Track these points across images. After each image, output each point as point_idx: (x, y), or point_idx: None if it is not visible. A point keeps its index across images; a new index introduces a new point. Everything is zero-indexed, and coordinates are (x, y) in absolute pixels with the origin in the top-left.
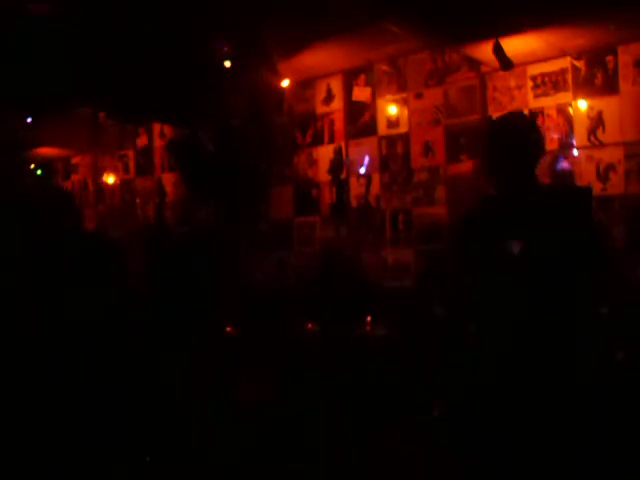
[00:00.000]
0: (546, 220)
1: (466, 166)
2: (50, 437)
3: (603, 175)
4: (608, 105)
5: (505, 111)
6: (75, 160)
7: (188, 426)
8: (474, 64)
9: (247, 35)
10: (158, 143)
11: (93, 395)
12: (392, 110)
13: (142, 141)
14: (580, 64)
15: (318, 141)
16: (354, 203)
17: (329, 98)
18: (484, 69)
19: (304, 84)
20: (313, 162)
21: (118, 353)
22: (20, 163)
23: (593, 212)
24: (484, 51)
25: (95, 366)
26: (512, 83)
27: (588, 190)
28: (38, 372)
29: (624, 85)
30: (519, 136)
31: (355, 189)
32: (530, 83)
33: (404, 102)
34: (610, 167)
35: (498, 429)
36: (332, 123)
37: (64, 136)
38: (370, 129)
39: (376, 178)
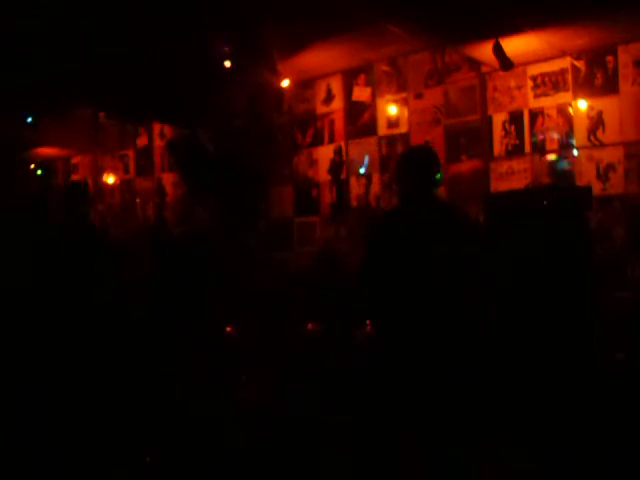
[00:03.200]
0: (435, 229)
1: (466, 166)
2: (51, 436)
3: (603, 175)
4: (608, 105)
5: (505, 111)
6: (75, 160)
7: (188, 426)
8: (474, 64)
9: (247, 35)
10: (158, 143)
11: (92, 395)
12: (392, 110)
13: (142, 141)
14: (580, 64)
15: (318, 141)
16: (354, 203)
17: (329, 98)
18: (484, 69)
19: (304, 84)
20: (313, 162)
21: (118, 352)
22: (20, 163)
23: (474, 224)
24: (484, 51)
25: (95, 364)
26: (512, 83)
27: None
28: (36, 366)
29: (624, 85)
30: (420, 167)
31: (355, 189)
32: (530, 83)
33: (404, 102)
34: (610, 167)
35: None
36: (332, 123)
37: (64, 136)
38: (370, 129)
39: (376, 178)
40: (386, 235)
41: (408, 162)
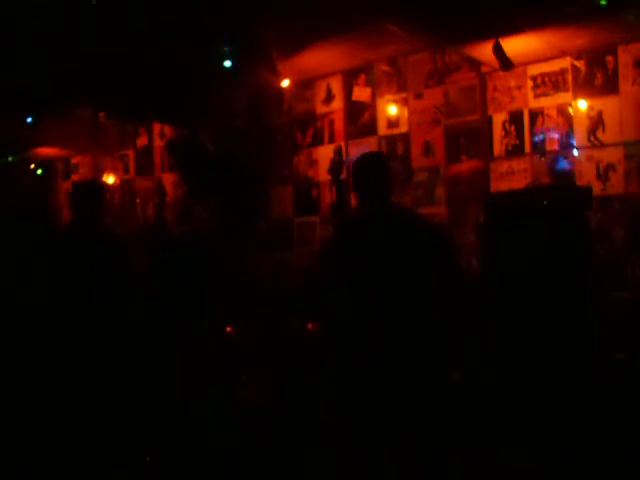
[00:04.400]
0: (393, 234)
1: (466, 166)
2: (52, 435)
3: (603, 175)
4: (608, 105)
5: (505, 111)
6: (75, 160)
7: (188, 426)
8: (474, 64)
9: (247, 35)
10: (158, 143)
11: (93, 395)
12: (392, 110)
13: (142, 141)
14: (580, 64)
15: (318, 141)
16: (354, 203)
17: (329, 98)
18: (484, 69)
19: (304, 84)
20: (313, 162)
21: (118, 352)
22: (20, 163)
23: (436, 229)
24: (484, 51)
25: (96, 364)
26: (512, 83)
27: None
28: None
29: (624, 85)
30: (371, 171)
31: None
32: (530, 83)
33: (404, 102)
34: (610, 167)
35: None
36: (332, 123)
37: (64, 136)
38: (370, 129)
39: None
40: (347, 240)
41: (366, 168)
